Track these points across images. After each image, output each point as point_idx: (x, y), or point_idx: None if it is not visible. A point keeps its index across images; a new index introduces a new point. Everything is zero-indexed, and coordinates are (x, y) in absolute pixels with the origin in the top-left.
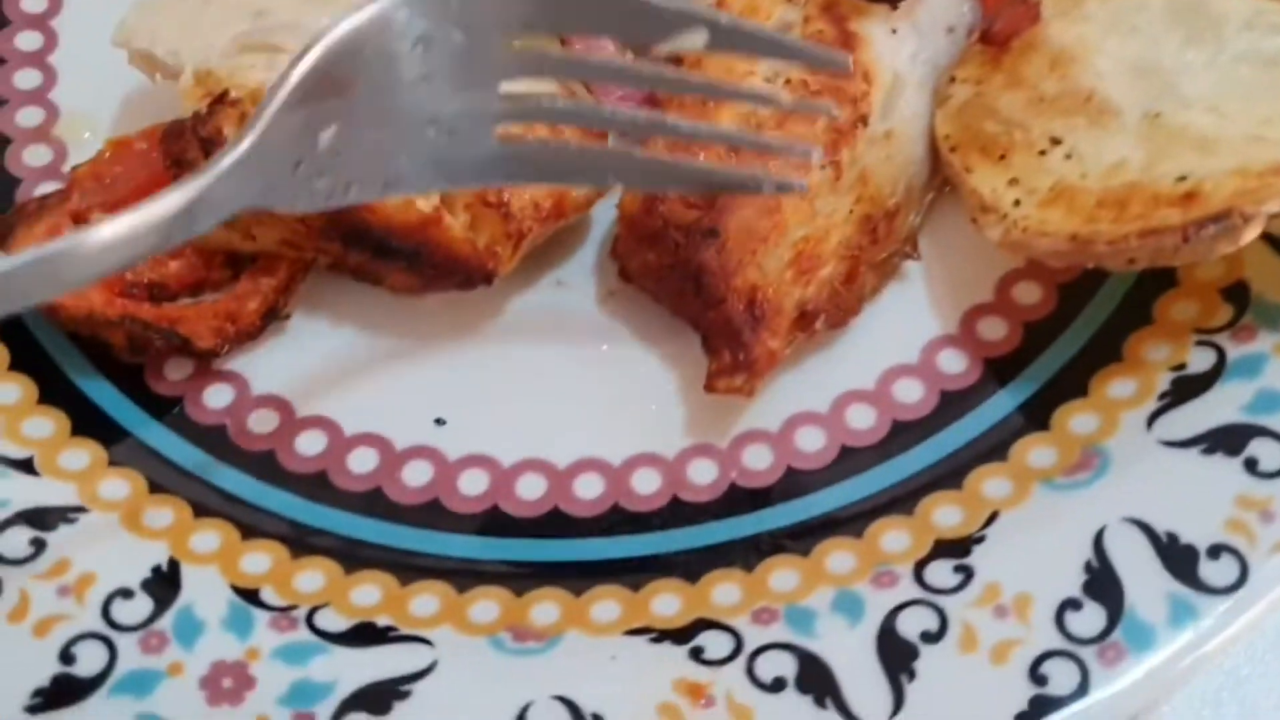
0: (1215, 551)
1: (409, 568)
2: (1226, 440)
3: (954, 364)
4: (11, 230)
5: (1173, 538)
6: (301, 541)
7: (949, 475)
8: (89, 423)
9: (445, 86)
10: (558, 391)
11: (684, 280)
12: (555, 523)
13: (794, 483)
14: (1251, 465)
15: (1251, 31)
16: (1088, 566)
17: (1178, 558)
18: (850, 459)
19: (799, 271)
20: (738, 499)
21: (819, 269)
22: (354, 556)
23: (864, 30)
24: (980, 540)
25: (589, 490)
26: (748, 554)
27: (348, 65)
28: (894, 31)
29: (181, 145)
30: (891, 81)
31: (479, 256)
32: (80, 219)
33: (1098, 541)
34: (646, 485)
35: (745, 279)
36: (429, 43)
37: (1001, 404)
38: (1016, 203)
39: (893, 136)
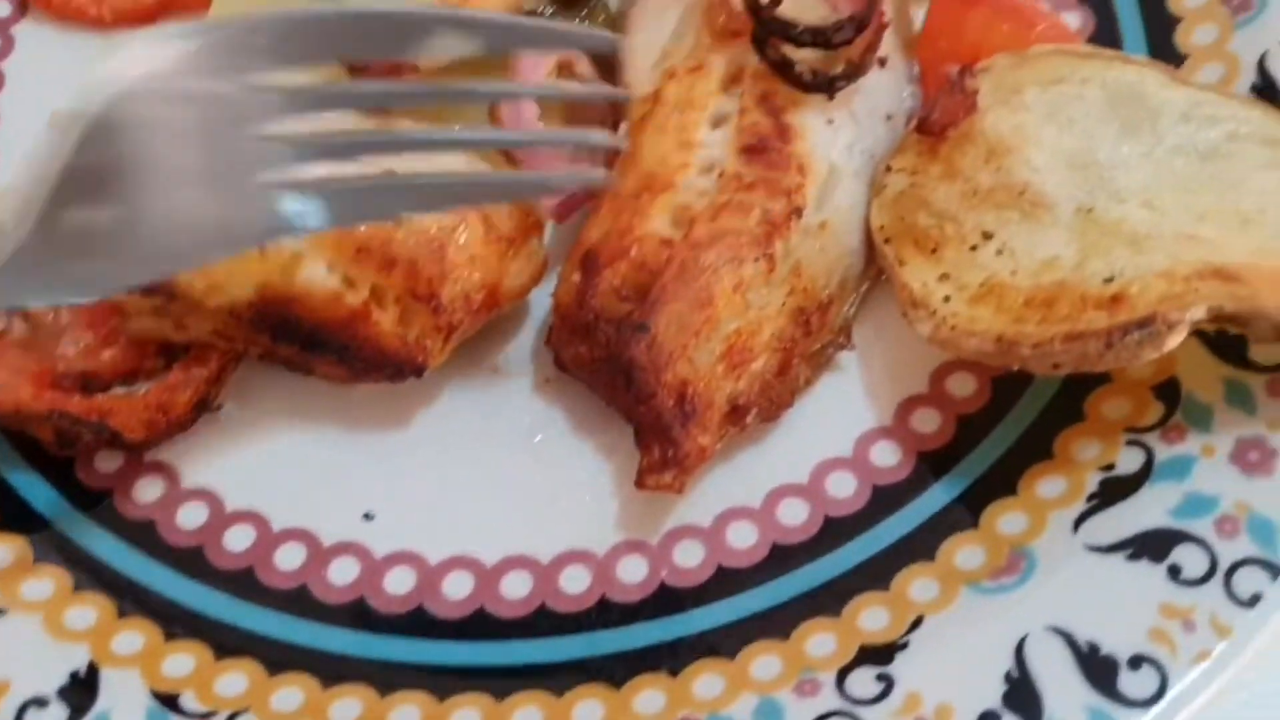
0: (1136, 662)
1: (333, 670)
2: (1152, 546)
3: (887, 457)
4: None
5: (1094, 648)
6: (226, 642)
7: (878, 575)
8: (14, 517)
9: (220, 143)
10: (490, 485)
11: (615, 374)
12: (480, 623)
13: (724, 581)
14: (1175, 572)
15: (1188, 124)
16: (1008, 677)
17: (1098, 668)
18: (781, 556)
19: (730, 365)
20: (667, 599)
21: (751, 362)
22: (278, 658)
23: (799, 121)
24: (904, 647)
25: (516, 589)
26: (674, 658)
27: (113, 142)
28: (830, 121)
29: None
30: (827, 173)
31: (408, 350)
32: None
33: (1019, 650)
34: (575, 584)
35: (676, 374)
36: (192, 102)
37: (933, 500)
38: (946, 299)
39: (827, 228)
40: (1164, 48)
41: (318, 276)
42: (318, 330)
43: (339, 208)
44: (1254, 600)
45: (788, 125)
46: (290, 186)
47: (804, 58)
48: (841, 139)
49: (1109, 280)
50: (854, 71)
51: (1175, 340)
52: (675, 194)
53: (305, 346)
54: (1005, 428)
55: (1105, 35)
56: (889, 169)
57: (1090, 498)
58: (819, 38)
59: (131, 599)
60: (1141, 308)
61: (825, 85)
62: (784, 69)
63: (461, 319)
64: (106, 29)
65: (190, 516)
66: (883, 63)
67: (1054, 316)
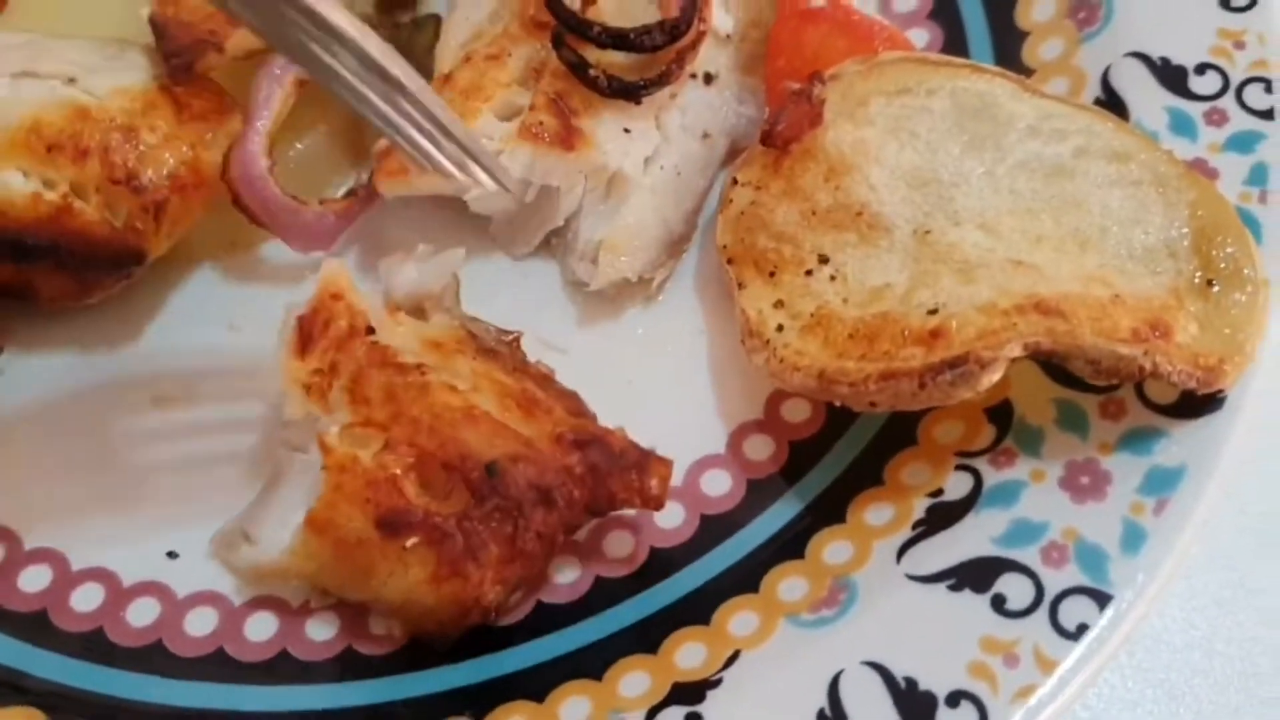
0: (954, 699)
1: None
2: (976, 575)
3: (719, 485)
4: None
5: (911, 683)
6: (10, 690)
7: (700, 609)
8: None
9: None
10: None
11: None
12: (282, 666)
13: (538, 619)
14: (999, 603)
15: (1036, 138)
16: (820, 715)
17: (915, 706)
18: (602, 592)
19: None
20: (480, 639)
21: None
22: (65, 707)
23: (590, 126)
24: (717, 684)
25: (321, 633)
26: (480, 700)
27: None
28: (627, 131)
29: None
30: (608, 180)
31: (120, 236)
32: None
33: (834, 687)
34: (380, 626)
35: None
36: None
37: (761, 529)
38: (780, 328)
39: (603, 247)
40: (1012, 62)
41: (15, 183)
42: (23, 236)
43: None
44: (1080, 631)
45: (577, 129)
46: None
47: (610, 61)
48: (638, 149)
49: (932, 312)
50: (660, 80)
51: (989, 380)
52: (434, 182)
53: (17, 258)
54: (837, 453)
55: (954, 51)
56: (735, 181)
57: (916, 525)
58: (620, 41)
59: None
60: (959, 344)
61: (625, 91)
62: (579, 70)
63: (167, 195)
64: None
65: None
66: (709, 79)
67: (874, 353)
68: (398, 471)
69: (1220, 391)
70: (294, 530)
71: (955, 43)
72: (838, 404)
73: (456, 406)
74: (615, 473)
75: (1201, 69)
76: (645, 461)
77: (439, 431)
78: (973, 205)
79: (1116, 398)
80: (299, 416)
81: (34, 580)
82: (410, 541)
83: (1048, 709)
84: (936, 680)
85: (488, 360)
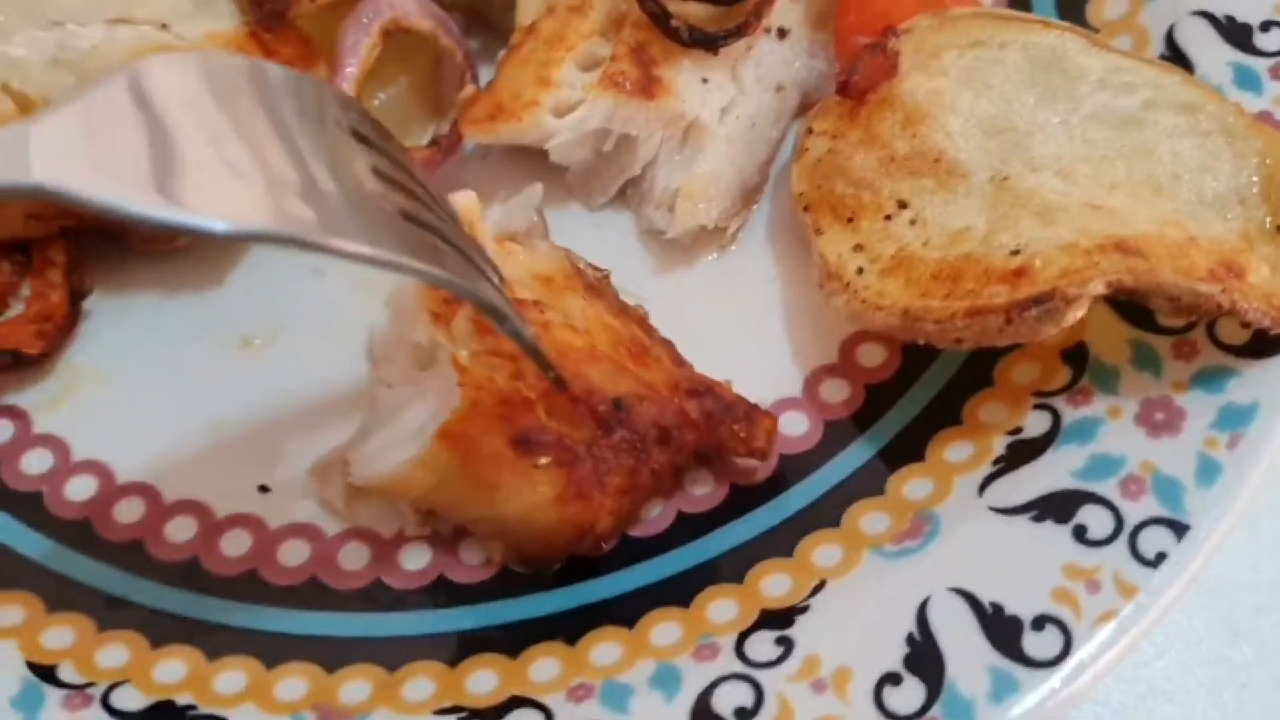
0: (1040, 623)
1: (217, 641)
2: (1057, 507)
3: (796, 426)
4: None
5: (998, 608)
6: (110, 615)
7: (782, 542)
8: None
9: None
10: None
11: None
12: (376, 594)
13: (626, 550)
14: (1080, 533)
15: (1106, 90)
16: (910, 639)
17: (1001, 630)
18: (686, 525)
19: None
20: (569, 568)
21: None
22: (162, 631)
23: (671, 76)
24: (804, 610)
25: (414, 561)
26: (572, 626)
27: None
28: (705, 81)
29: None
30: (686, 129)
31: None
32: None
33: (921, 612)
34: (474, 556)
35: None
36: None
37: (840, 468)
38: (860, 271)
39: (680, 196)
40: (1076, 20)
41: None
42: None
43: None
44: (1159, 559)
45: (657, 78)
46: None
47: (691, 13)
48: (715, 100)
49: (1015, 253)
50: (738, 31)
51: (1074, 316)
52: (519, 129)
53: None
54: (914, 395)
55: (1018, 8)
56: (810, 131)
57: (996, 461)
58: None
59: (12, 572)
60: (1043, 282)
61: (704, 41)
62: (660, 20)
63: None
64: None
65: (79, 487)
66: (783, 33)
67: (958, 291)
68: (531, 396)
69: None
70: (406, 455)
71: (1019, 3)
72: (922, 342)
73: (579, 346)
74: (726, 422)
75: (1266, 26)
76: (753, 414)
77: (565, 367)
78: (1049, 152)
79: (1189, 339)
80: (425, 341)
81: (128, 512)
82: (543, 460)
83: (1129, 633)
84: (1022, 605)
85: (595, 299)
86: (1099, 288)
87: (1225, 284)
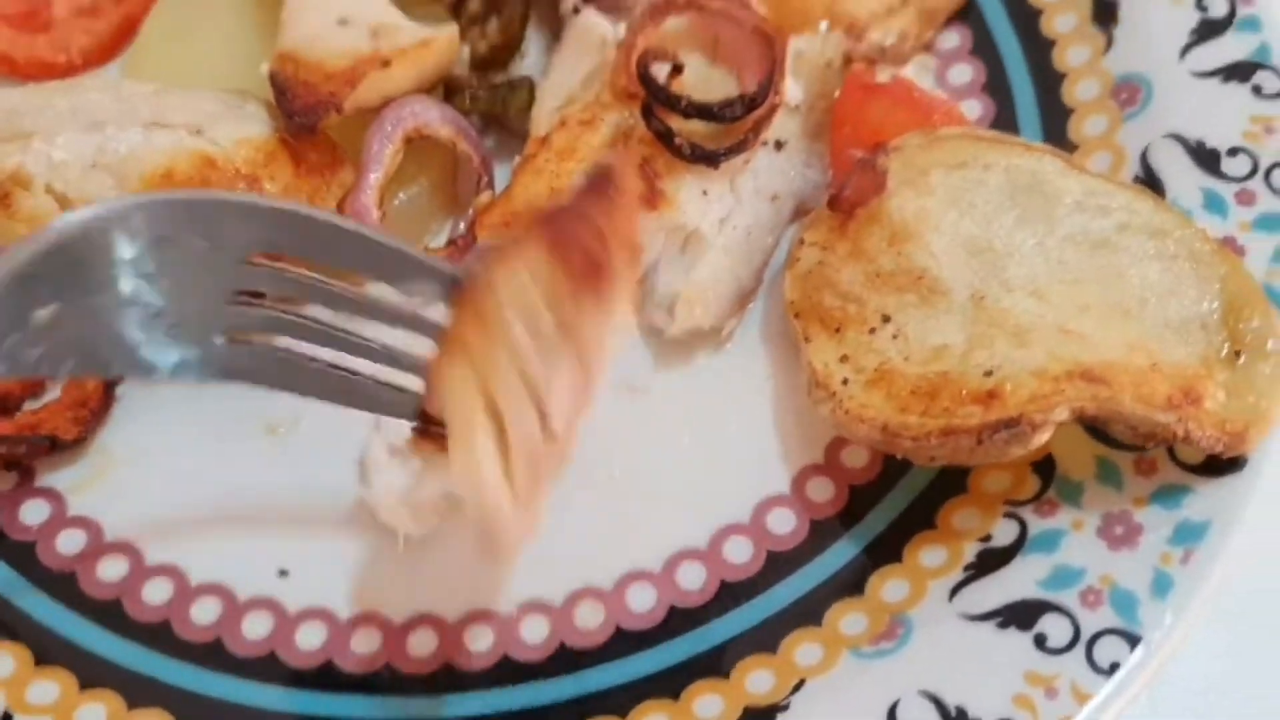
0: None
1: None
2: (1020, 615)
3: (784, 524)
4: None
5: (961, 712)
6: (138, 693)
7: (767, 639)
8: None
9: (178, 285)
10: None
11: None
12: (385, 678)
13: (619, 642)
14: (1041, 641)
15: (1082, 213)
16: None
17: None
18: (676, 618)
19: None
20: (566, 658)
21: None
22: (188, 710)
23: (674, 189)
24: (785, 708)
25: (422, 648)
26: (567, 715)
27: (77, 253)
28: (705, 193)
29: None
30: (685, 238)
31: None
32: None
33: (891, 713)
34: (479, 643)
35: None
36: (165, 244)
37: (824, 567)
38: (845, 381)
39: (679, 300)
40: (1058, 135)
41: None
42: None
43: (259, 375)
44: (1113, 669)
45: (661, 190)
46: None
47: (692, 129)
48: (714, 211)
49: (989, 374)
50: (738, 147)
51: (1040, 439)
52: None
53: None
54: (894, 498)
55: (1004, 123)
56: (802, 241)
57: (967, 567)
58: (705, 113)
59: (49, 650)
60: (1013, 406)
61: (705, 157)
62: (665, 138)
63: None
64: (75, 72)
65: (110, 568)
66: (780, 145)
67: (935, 409)
68: None
69: (1241, 456)
70: None
71: (1006, 115)
72: (899, 456)
73: None
74: None
75: (1234, 151)
76: None
77: None
78: (1025, 274)
79: (1149, 456)
80: None
81: (157, 593)
82: None
83: None
84: (984, 709)
85: None
86: (1064, 414)
87: (1182, 412)
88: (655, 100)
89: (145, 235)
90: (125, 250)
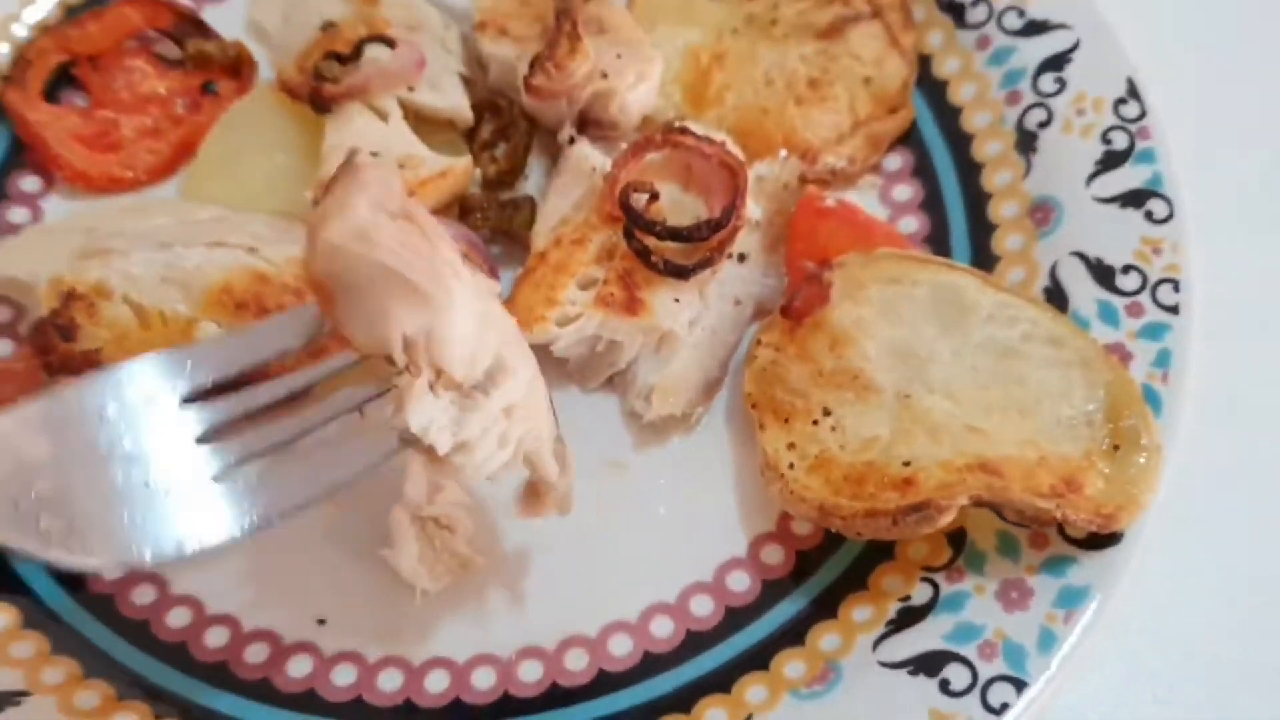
0: None
1: None
2: (929, 663)
3: (740, 584)
4: None
5: None
6: None
7: (724, 681)
8: (36, 617)
9: (147, 448)
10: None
11: None
12: (408, 711)
13: (599, 682)
14: (945, 685)
15: (993, 324)
16: None
17: None
18: (650, 664)
19: None
20: (557, 695)
21: None
22: None
23: (650, 297)
24: None
25: (436, 685)
26: None
27: (48, 438)
28: (677, 300)
29: (44, 338)
30: (660, 338)
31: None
32: None
33: None
34: (483, 682)
35: None
36: (118, 413)
37: (773, 620)
38: (791, 465)
39: (655, 391)
40: (983, 250)
41: (211, 332)
42: None
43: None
44: (1003, 709)
45: (640, 299)
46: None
47: (667, 249)
48: (685, 315)
49: (906, 464)
50: (705, 263)
51: (946, 519)
52: (531, 336)
53: None
54: (833, 562)
55: (938, 237)
56: (759, 342)
57: (889, 623)
58: (676, 236)
59: (127, 686)
60: (924, 493)
61: (677, 272)
62: (643, 256)
63: (325, 344)
64: (140, 186)
65: (177, 617)
66: (742, 258)
67: (862, 493)
68: None
69: (1118, 532)
70: None
71: (940, 230)
72: (833, 530)
73: None
74: None
75: (1126, 269)
76: None
77: None
78: (942, 377)
79: (1043, 532)
80: None
81: (215, 637)
82: None
83: None
84: None
85: None
86: (964, 500)
87: (1063, 499)
88: (635, 224)
89: (99, 411)
90: (89, 427)
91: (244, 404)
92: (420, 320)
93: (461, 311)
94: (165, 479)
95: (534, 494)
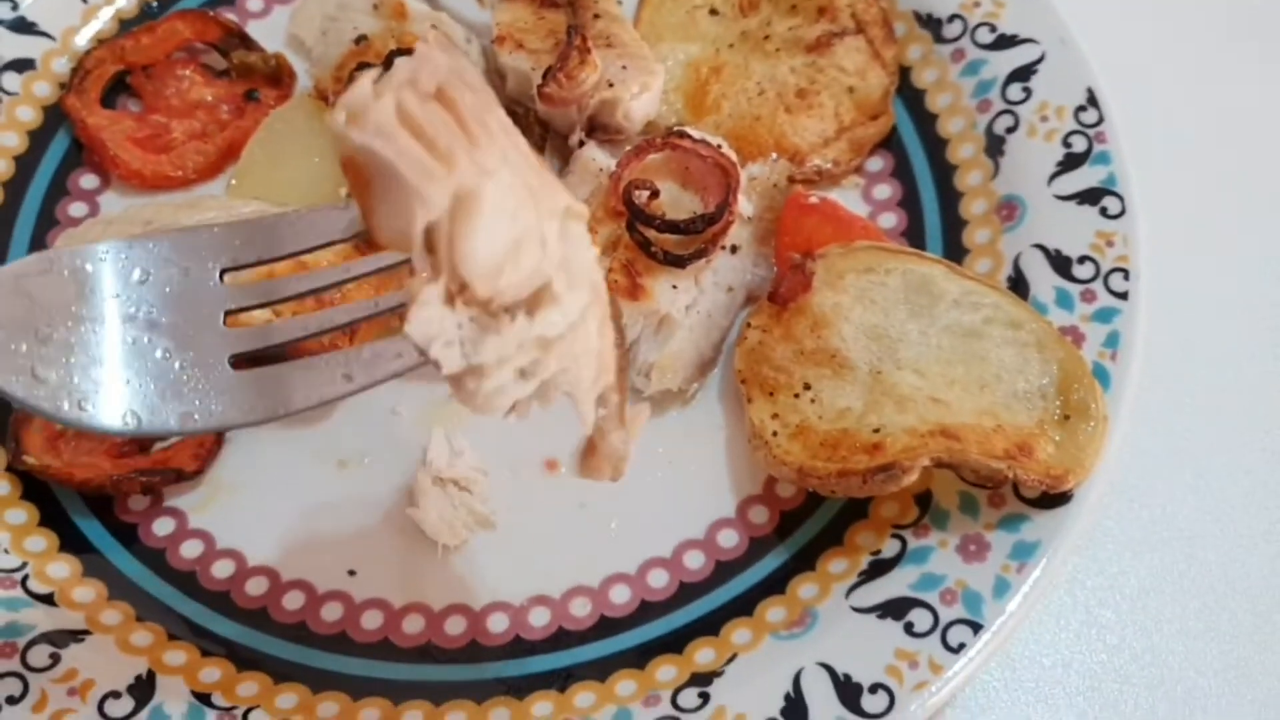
0: (875, 688)
1: (319, 681)
2: (895, 608)
3: (729, 540)
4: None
5: (847, 677)
6: (245, 659)
7: (713, 626)
8: (94, 567)
9: (173, 319)
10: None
11: None
12: (430, 651)
13: (604, 627)
14: (909, 628)
15: (958, 308)
16: (787, 696)
17: (849, 691)
18: (647, 610)
19: None
20: (562, 638)
21: None
22: (282, 671)
23: (651, 284)
24: (720, 675)
25: (455, 628)
26: (563, 680)
27: (72, 283)
28: (675, 287)
29: None
30: (659, 321)
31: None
32: None
33: (796, 679)
34: (497, 626)
35: None
36: (147, 284)
37: (758, 572)
38: (774, 434)
39: (655, 368)
40: (954, 243)
41: None
42: None
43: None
44: (960, 648)
45: (641, 285)
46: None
47: (664, 240)
48: (682, 300)
49: (876, 430)
50: (700, 254)
51: (909, 479)
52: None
53: None
54: (814, 521)
55: (915, 232)
56: (749, 325)
57: (860, 573)
58: (674, 229)
59: (177, 628)
60: (890, 455)
61: (675, 261)
62: (644, 247)
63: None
64: (190, 184)
65: (221, 568)
66: (734, 249)
67: (835, 457)
68: None
69: (1068, 493)
70: None
71: (916, 225)
72: (811, 489)
73: None
74: None
75: (1082, 259)
76: None
77: None
78: (911, 355)
79: (1000, 493)
80: None
81: (256, 586)
82: None
83: (935, 698)
84: (864, 676)
85: None
86: (925, 462)
87: (1014, 461)
88: (637, 219)
89: (126, 275)
90: (114, 287)
91: (278, 291)
92: (441, 223)
93: (488, 219)
94: (183, 352)
95: (590, 450)
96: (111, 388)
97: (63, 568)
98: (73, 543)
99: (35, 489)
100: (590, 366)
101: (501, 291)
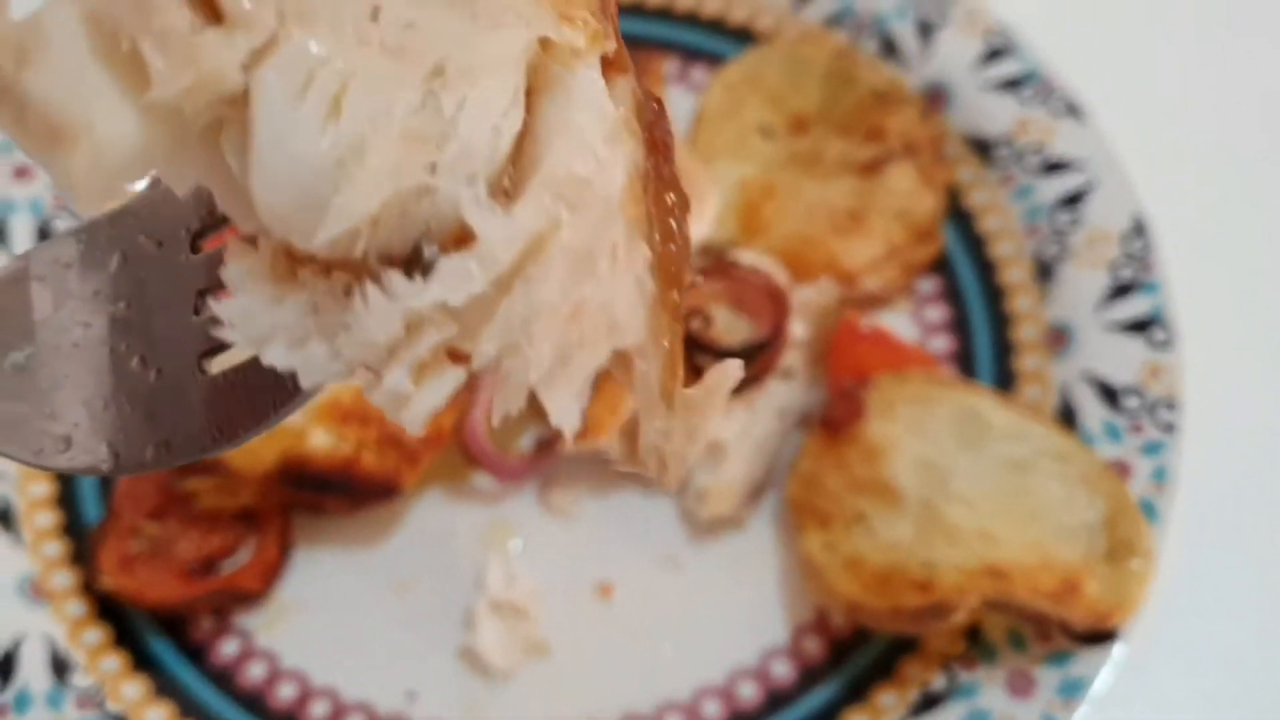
0: None
1: None
2: None
3: (782, 669)
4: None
5: None
6: None
7: None
8: (167, 687)
9: (144, 315)
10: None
11: None
12: None
13: None
14: None
15: (1007, 441)
16: None
17: None
18: None
19: None
20: None
21: None
22: None
23: None
24: None
25: None
26: None
27: (44, 292)
28: (728, 412)
29: None
30: (712, 446)
31: (388, 476)
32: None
33: None
34: None
35: None
36: (127, 259)
37: (810, 703)
38: (826, 564)
39: (708, 493)
40: (1004, 369)
41: (320, 439)
42: (326, 476)
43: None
44: None
45: None
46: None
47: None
48: (734, 426)
49: (926, 566)
50: (754, 378)
51: (958, 619)
52: (606, 443)
53: (316, 490)
54: (865, 651)
55: (965, 356)
56: (802, 453)
57: (910, 708)
58: (730, 356)
59: None
60: (940, 594)
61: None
62: (699, 375)
63: (420, 449)
64: None
65: (287, 689)
66: (787, 373)
67: (886, 592)
68: None
69: (1114, 629)
70: None
71: (966, 348)
72: (861, 623)
73: None
74: None
75: (1128, 391)
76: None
77: None
78: (961, 487)
79: (1046, 629)
80: None
81: (320, 708)
82: None
83: None
84: None
85: None
86: (974, 601)
87: (1062, 600)
88: (694, 347)
89: (105, 262)
90: (94, 281)
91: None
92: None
93: (276, 132)
94: (157, 358)
95: (628, 433)
96: (93, 418)
97: (135, 688)
98: (145, 662)
99: (110, 607)
100: (556, 332)
101: (336, 244)
